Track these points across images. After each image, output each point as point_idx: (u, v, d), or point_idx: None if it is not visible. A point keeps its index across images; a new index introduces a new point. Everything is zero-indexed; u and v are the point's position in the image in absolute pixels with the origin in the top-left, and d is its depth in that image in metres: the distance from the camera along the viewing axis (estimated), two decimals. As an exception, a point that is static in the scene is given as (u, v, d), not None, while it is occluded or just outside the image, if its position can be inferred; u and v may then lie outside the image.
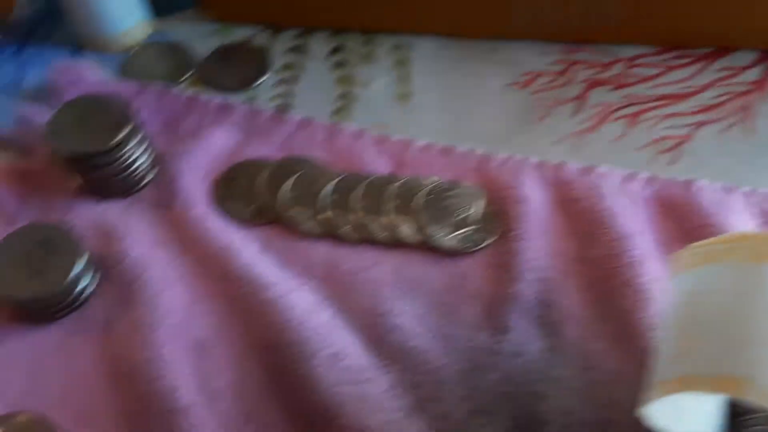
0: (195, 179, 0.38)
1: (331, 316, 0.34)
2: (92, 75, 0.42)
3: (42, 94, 0.43)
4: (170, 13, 0.47)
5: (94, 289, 0.34)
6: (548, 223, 0.37)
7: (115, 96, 0.38)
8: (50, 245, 0.33)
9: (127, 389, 0.32)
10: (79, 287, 0.33)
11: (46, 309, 0.33)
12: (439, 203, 0.37)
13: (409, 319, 0.34)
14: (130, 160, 0.36)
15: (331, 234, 0.36)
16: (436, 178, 0.38)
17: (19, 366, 0.32)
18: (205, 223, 0.36)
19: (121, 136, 0.35)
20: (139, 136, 0.36)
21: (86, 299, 0.34)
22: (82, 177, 0.37)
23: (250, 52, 0.45)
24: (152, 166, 0.38)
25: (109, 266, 0.35)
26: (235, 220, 0.37)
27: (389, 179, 0.38)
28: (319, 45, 0.46)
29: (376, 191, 0.37)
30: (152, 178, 0.38)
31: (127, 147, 0.36)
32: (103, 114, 0.36)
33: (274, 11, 0.45)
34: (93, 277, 0.34)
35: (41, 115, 0.40)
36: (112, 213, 0.37)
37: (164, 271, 0.35)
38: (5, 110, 0.42)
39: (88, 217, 0.37)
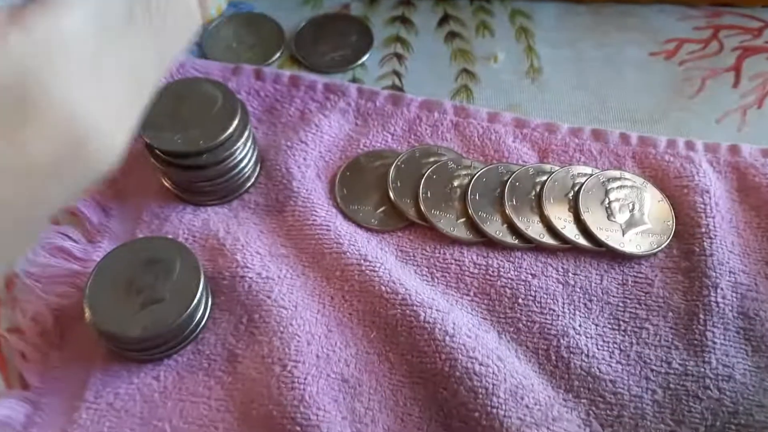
0: (310, 177, 0.32)
1: (497, 340, 0.28)
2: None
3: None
4: (249, -19, 0.40)
5: (207, 318, 0.28)
6: (733, 216, 0.31)
7: (213, 80, 0.31)
8: (160, 267, 0.27)
9: (266, 439, 0.26)
10: (197, 317, 0.27)
11: (157, 346, 0.27)
12: (601, 198, 0.31)
13: (591, 338, 0.28)
14: (238, 158, 0.30)
15: (481, 238, 0.30)
16: (590, 169, 0.32)
17: (131, 412, 0.26)
18: (330, 231, 0.30)
19: (229, 130, 0.29)
20: (246, 130, 0.30)
21: (202, 330, 0.28)
22: (176, 177, 0.31)
23: (350, 24, 0.38)
24: (257, 163, 0.32)
25: (221, 289, 0.29)
26: (363, 226, 0.31)
27: (538, 170, 0.32)
28: (424, 14, 0.39)
29: (525, 186, 0.31)
30: (257, 178, 0.32)
31: (236, 144, 0.29)
32: (203, 103, 0.30)
33: (372, -25, 0.39)
34: (207, 303, 0.28)
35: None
36: (216, 223, 0.31)
37: (289, 293, 0.29)
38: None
39: (188, 228, 0.31)
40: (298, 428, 0.25)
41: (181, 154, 0.29)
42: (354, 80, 0.36)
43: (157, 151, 0.29)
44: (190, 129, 0.29)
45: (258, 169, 0.32)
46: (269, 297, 0.28)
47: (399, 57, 0.37)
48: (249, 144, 0.31)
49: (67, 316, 0.28)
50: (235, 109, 0.29)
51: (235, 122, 0.29)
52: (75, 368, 0.27)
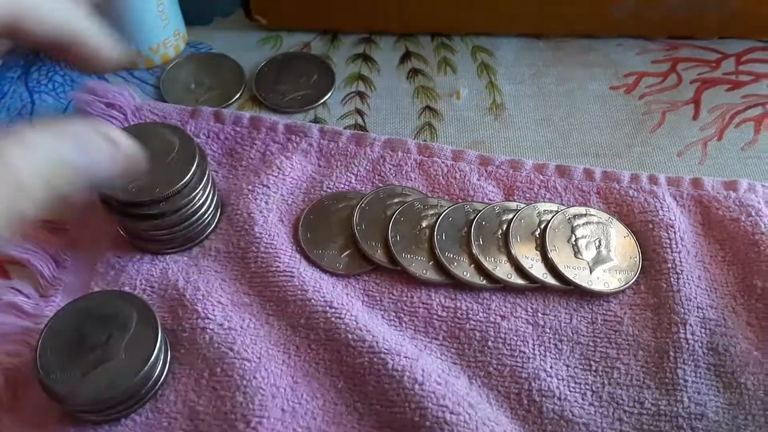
0: (272, 221, 0.31)
1: (467, 385, 0.28)
2: (128, 98, 0.34)
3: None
4: (208, 20, 0.40)
5: (167, 374, 0.27)
6: (698, 251, 0.31)
7: (170, 125, 0.30)
8: (114, 323, 0.26)
9: (232, 503, 0.25)
10: (155, 374, 0.26)
11: (112, 406, 0.25)
12: (567, 235, 0.31)
13: (562, 380, 0.28)
14: (197, 204, 0.29)
15: (448, 279, 0.30)
16: (555, 206, 0.32)
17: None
18: (294, 277, 0.29)
19: (187, 177, 0.28)
20: (205, 176, 0.29)
21: (161, 386, 0.27)
22: (132, 226, 0.30)
23: (311, 64, 0.38)
24: (217, 208, 0.31)
25: (182, 342, 0.28)
26: (328, 270, 0.30)
27: (504, 209, 0.32)
28: (386, 52, 0.39)
29: (491, 224, 0.31)
30: (218, 224, 0.31)
31: (195, 190, 0.29)
32: (159, 149, 0.29)
33: (333, 15, 0.39)
34: (165, 358, 0.27)
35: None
36: (175, 272, 0.30)
37: (253, 344, 0.28)
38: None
39: (145, 279, 0.29)
40: (264, 489, 0.24)
41: (137, 203, 0.28)
42: (316, 120, 0.36)
43: (111, 200, 0.28)
44: (146, 176, 0.28)
45: (218, 214, 0.31)
46: (231, 349, 0.27)
47: (361, 95, 0.37)
48: (208, 189, 0.30)
49: (19, 376, 0.27)
50: (193, 155, 0.29)
51: (193, 168, 0.28)
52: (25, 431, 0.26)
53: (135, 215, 0.29)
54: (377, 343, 0.27)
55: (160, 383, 0.27)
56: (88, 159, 0.21)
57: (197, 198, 0.29)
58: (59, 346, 0.25)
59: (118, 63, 0.25)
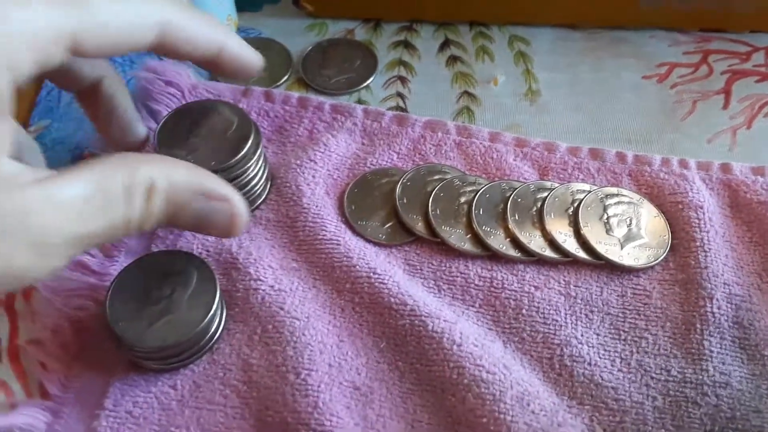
0: (319, 194, 0.33)
1: (502, 349, 0.29)
2: (185, 77, 0.36)
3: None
4: (258, 7, 0.42)
5: (222, 329, 0.29)
6: (726, 231, 0.33)
7: (228, 103, 0.32)
8: (177, 279, 0.28)
9: (282, 446, 0.27)
10: (212, 328, 0.28)
11: (175, 355, 0.28)
12: (600, 213, 0.32)
13: (593, 348, 0.29)
14: (250, 176, 0.31)
15: (486, 252, 0.32)
16: (588, 186, 0.34)
17: (150, 420, 0.27)
18: (339, 245, 0.31)
19: (243, 152, 0.30)
20: (258, 150, 0.31)
21: (217, 340, 0.29)
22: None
23: (354, 49, 0.40)
24: (267, 180, 0.33)
25: (235, 301, 0.30)
26: (371, 240, 0.32)
27: (539, 187, 0.33)
28: (426, 40, 0.41)
29: (527, 202, 0.33)
30: (268, 195, 0.33)
31: (249, 162, 0.31)
32: (218, 123, 0.31)
33: (376, 4, 0.40)
34: (222, 314, 0.29)
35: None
36: (229, 239, 0.32)
37: (301, 305, 0.30)
38: (82, 120, 0.36)
39: (201, 243, 0.32)
40: (315, 434, 0.26)
41: None
42: (359, 102, 0.38)
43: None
44: (203, 149, 0.30)
45: (269, 186, 0.33)
46: (282, 308, 0.29)
47: (402, 80, 0.39)
48: (260, 163, 0.32)
49: (85, 329, 0.29)
50: (249, 131, 0.31)
51: (249, 143, 0.30)
52: (94, 378, 0.28)
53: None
54: (418, 307, 0.29)
55: (216, 337, 0.29)
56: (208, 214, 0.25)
57: (251, 170, 0.31)
58: (127, 299, 0.27)
59: (260, 66, 0.27)
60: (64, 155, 0.35)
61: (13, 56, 0.20)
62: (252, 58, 0.28)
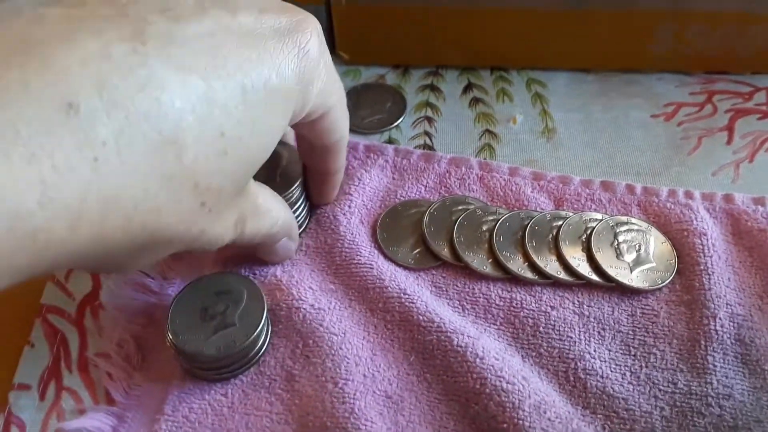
0: (354, 223, 0.37)
1: (521, 363, 0.32)
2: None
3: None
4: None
5: (268, 344, 0.32)
6: (728, 256, 0.35)
7: (281, 143, 0.36)
8: (229, 297, 0.32)
9: (322, 448, 0.30)
10: (260, 341, 0.32)
11: (227, 365, 0.31)
12: (611, 240, 0.35)
13: (605, 362, 0.32)
14: (299, 207, 0.35)
15: (505, 275, 0.35)
16: (600, 215, 0.37)
17: (204, 424, 0.30)
18: (373, 269, 0.35)
19: (295, 185, 0.34)
20: (303, 184, 0.35)
21: (263, 354, 0.32)
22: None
23: (385, 92, 0.44)
24: (309, 211, 0.37)
25: (279, 319, 0.33)
26: (401, 264, 0.36)
27: (555, 216, 0.36)
28: (451, 83, 0.45)
29: (543, 229, 0.36)
30: (308, 224, 0.37)
31: (296, 195, 0.34)
32: (272, 159, 0.35)
33: (405, 52, 0.45)
34: (268, 330, 0.32)
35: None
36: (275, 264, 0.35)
37: (339, 322, 0.33)
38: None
39: (248, 267, 0.35)
40: (351, 436, 0.29)
41: None
42: (390, 141, 0.42)
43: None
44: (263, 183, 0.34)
45: (309, 217, 0.37)
46: (321, 325, 0.33)
47: (429, 120, 0.43)
48: (304, 195, 0.35)
49: (146, 342, 0.33)
50: (298, 166, 0.34)
51: (300, 178, 0.34)
52: (155, 386, 0.32)
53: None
54: (444, 324, 0.32)
55: (263, 351, 0.32)
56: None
57: (299, 202, 0.35)
58: (185, 315, 0.31)
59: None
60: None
61: None
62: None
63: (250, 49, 0.25)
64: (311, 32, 0.27)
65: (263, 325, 0.31)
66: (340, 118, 0.32)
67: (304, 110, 0.28)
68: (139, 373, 0.32)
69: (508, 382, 0.30)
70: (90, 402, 0.32)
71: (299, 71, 0.27)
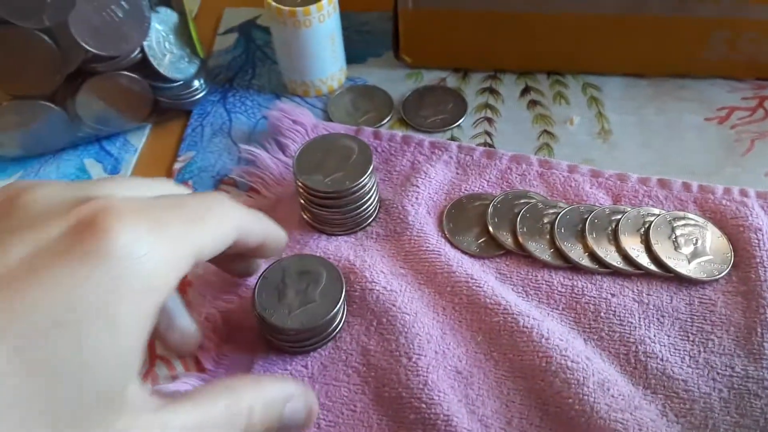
0: (421, 213, 0.39)
1: (583, 344, 0.34)
2: (308, 116, 0.43)
3: (253, 136, 0.44)
4: (364, 60, 0.49)
5: (344, 321, 0.35)
6: (782, 251, 0.37)
7: (349, 135, 0.39)
8: (310, 276, 0.34)
9: (396, 415, 0.32)
10: (338, 318, 0.34)
11: (307, 339, 0.33)
12: (668, 233, 0.37)
13: (664, 346, 0.34)
14: (370, 194, 0.37)
15: (566, 264, 0.37)
16: (658, 210, 0.38)
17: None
18: (440, 255, 0.37)
19: (368, 172, 0.36)
20: (375, 175, 0.37)
21: (339, 330, 0.34)
22: (316, 212, 0.38)
23: (447, 94, 0.46)
24: (378, 202, 0.39)
25: (354, 299, 0.35)
26: (467, 252, 0.38)
27: (614, 210, 0.38)
28: (509, 86, 0.47)
29: (602, 222, 0.38)
30: (377, 215, 0.39)
31: (368, 185, 0.37)
32: (343, 151, 0.37)
33: (465, 57, 0.47)
34: (344, 308, 0.35)
35: (262, 157, 0.42)
36: (346, 248, 0.38)
37: (410, 303, 0.35)
38: (221, 151, 0.43)
39: (323, 252, 0.37)
40: (424, 405, 0.31)
41: (331, 192, 0.36)
42: (452, 139, 0.44)
43: (310, 191, 0.36)
44: (336, 173, 0.36)
45: (378, 207, 0.39)
46: (394, 305, 0.35)
47: (489, 120, 0.45)
48: (375, 185, 0.38)
49: (232, 317, 0.35)
50: (369, 157, 0.37)
51: (372, 166, 0.37)
52: (241, 357, 0.34)
53: (322, 204, 0.37)
54: (510, 306, 0.34)
55: (340, 327, 0.34)
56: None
57: (371, 189, 0.37)
58: (271, 291, 0.33)
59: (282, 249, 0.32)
60: (207, 181, 0.42)
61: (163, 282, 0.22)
62: (280, 238, 0.31)
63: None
64: (109, 227, 0.21)
65: (341, 303, 0.33)
66: (252, 233, 0.28)
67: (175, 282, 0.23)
68: (226, 344, 0.35)
69: (572, 361, 0.32)
70: (182, 370, 0.34)
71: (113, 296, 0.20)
